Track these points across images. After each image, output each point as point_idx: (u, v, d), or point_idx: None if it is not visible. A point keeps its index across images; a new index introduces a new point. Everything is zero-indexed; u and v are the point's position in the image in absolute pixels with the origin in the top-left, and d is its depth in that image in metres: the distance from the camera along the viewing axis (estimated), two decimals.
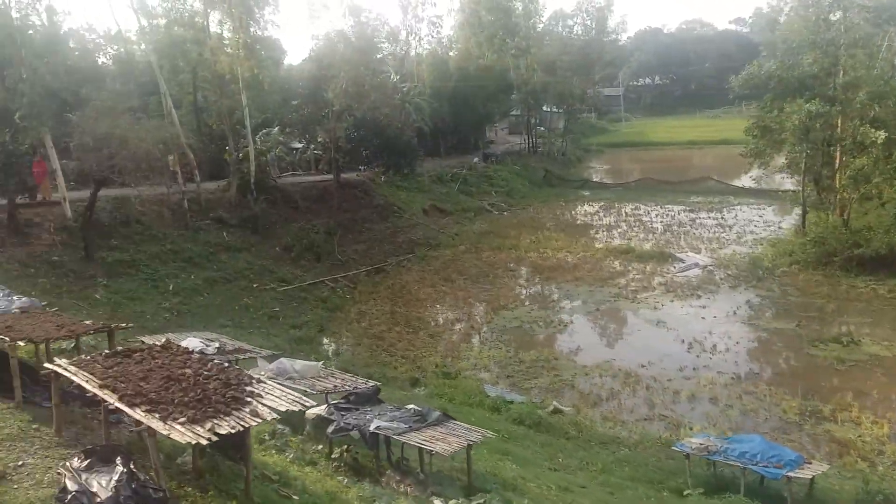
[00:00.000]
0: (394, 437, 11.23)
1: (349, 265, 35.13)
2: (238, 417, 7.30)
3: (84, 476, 7.34)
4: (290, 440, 12.14)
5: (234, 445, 8.49)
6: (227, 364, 8.85)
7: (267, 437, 11.69)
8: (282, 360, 15.07)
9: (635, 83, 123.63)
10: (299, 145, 46.87)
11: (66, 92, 28.13)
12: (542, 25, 70.96)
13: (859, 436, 17.57)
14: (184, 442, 6.65)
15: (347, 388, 14.32)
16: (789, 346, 24.26)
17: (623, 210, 47.87)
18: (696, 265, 33.37)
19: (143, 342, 15.67)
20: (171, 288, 26.80)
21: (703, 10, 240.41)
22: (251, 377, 8.36)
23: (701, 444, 15.24)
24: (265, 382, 8.29)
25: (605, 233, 41.99)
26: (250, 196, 34.86)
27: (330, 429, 11.70)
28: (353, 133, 41.00)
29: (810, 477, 14.00)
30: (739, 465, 14.33)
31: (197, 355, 9.08)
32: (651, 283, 31.15)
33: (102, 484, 7.15)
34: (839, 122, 33.36)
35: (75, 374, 8.20)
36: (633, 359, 23.10)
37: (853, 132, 31.82)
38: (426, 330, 27.50)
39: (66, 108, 27.86)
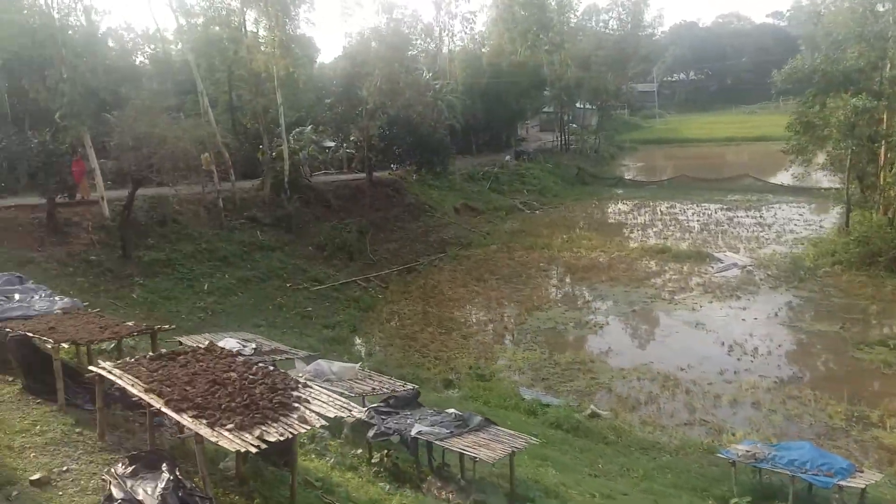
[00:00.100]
0: (436, 442, 11.03)
1: (381, 264, 35.05)
2: (286, 424, 7.15)
3: (129, 483, 7.26)
4: (330, 444, 12.03)
5: (278, 451, 8.37)
6: (271, 368, 8.71)
7: (306, 441, 11.58)
8: (319, 361, 14.99)
9: (669, 78, 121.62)
10: (331, 144, 46.93)
11: (105, 91, 28.42)
12: (575, 20, 70.07)
13: None
14: (232, 450, 6.50)
15: (385, 390, 14.19)
16: (833, 349, 23.56)
17: (658, 208, 47.06)
18: (735, 265, 32.63)
19: (180, 342, 15.78)
20: (205, 287, 26.99)
21: (740, 3, 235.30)
22: (297, 381, 8.21)
23: (748, 450, 14.79)
24: (311, 387, 8.13)
25: (639, 232, 41.29)
26: (284, 195, 34.98)
27: (370, 433, 11.55)
28: (386, 131, 40.84)
29: (862, 487, 13.49)
30: (788, 472, 13.85)
31: (241, 358, 8.96)
32: (688, 283, 30.51)
33: (148, 491, 7.05)
34: (885, 117, 32.35)
35: (120, 378, 8.13)
36: (672, 361, 22.61)
37: None
38: (459, 330, 27.26)
39: (105, 108, 28.16)
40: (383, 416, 11.86)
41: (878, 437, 17.53)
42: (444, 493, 10.96)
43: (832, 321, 25.55)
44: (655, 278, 31.62)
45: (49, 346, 9.66)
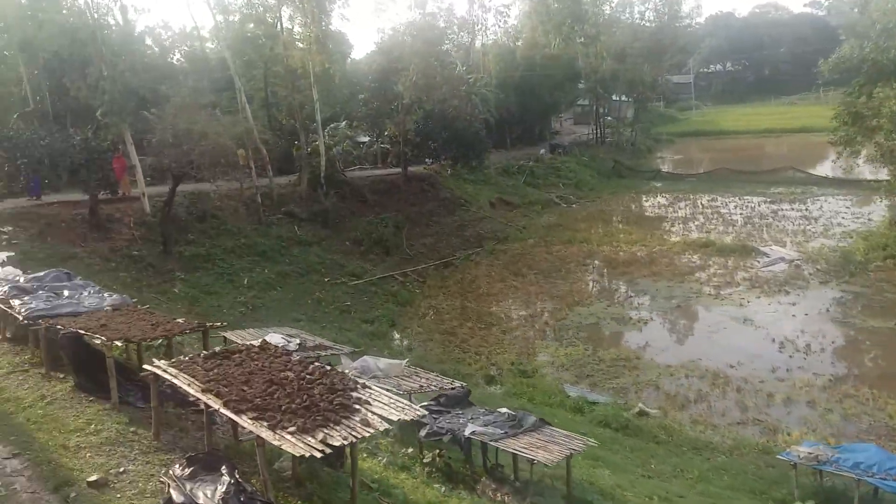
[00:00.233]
0: (491, 443, 10.69)
1: (417, 259, 34.82)
2: (348, 427, 6.87)
3: (188, 486, 7.07)
4: (380, 442, 11.77)
5: (335, 451, 8.12)
6: (328, 367, 8.46)
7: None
8: (365, 358, 14.76)
9: (705, 70, 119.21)
10: (365, 139, 46.83)
11: (144, 89, 28.64)
12: (609, 11, 68.91)
13: None
14: (297, 454, 6.24)
15: (433, 388, 13.90)
16: (888, 346, 22.71)
17: (699, 202, 45.95)
18: (782, 259, 31.65)
19: (224, 338, 15.69)
20: (245, 282, 27.04)
21: None
22: (355, 382, 7.93)
23: (810, 452, 14.15)
24: (370, 388, 7.85)
25: (680, 225, 40.34)
26: (320, 190, 34.94)
27: (422, 432, 11.26)
28: (421, 126, 40.54)
29: None
30: (853, 476, 13.24)
31: (296, 357, 8.72)
32: (734, 278, 29.67)
33: (208, 495, 6.85)
34: None
35: (176, 378, 7.95)
36: (721, 358, 21.93)
37: None
38: (498, 326, 26.89)
39: (144, 106, 28.36)
40: (435, 415, 11.57)
41: None
42: (499, 494, 10.64)
43: (886, 317, 24.61)
44: (699, 273, 30.82)
45: (102, 344, 9.54)
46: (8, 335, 12.39)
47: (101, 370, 9.87)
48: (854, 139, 34.74)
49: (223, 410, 7.15)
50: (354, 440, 6.75)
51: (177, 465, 7.48)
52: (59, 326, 10.37)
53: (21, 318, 10.96)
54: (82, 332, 9.97)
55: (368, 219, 35.89)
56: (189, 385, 7.73)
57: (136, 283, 23.68)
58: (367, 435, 6.90)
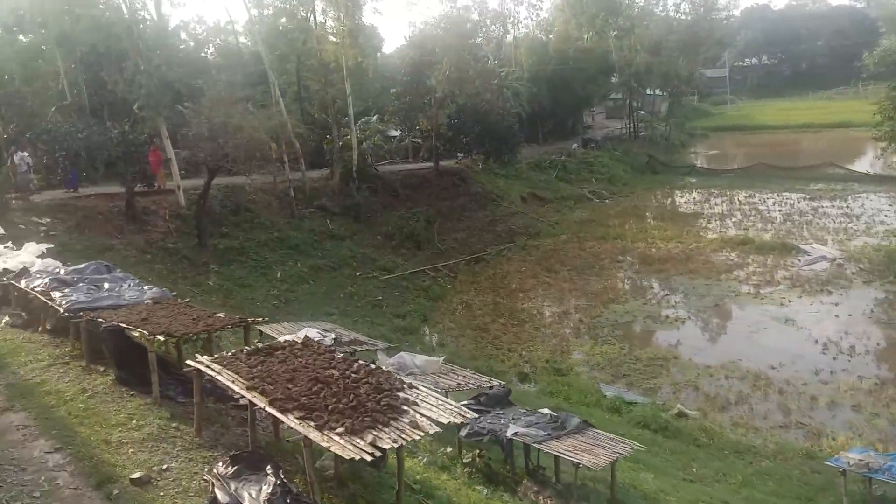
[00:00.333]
0: (534, 445, 10.42)
1: (449, 254, 34.63)
2: (397, 429, 6.64)
3: (233, 485, 6.91)
4: (419, 441, 11.54)
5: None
6: (373, 365, 8.25)
7: None
8: (402, 354, 14.57)
9: (740, 63, 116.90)
10: (396, 133, 46.69)
11: (179, 83, 28.76)
12: (643, 3, 67.72)
13: None
14: (346, 457, 6.03)
15: (471, 386, 13.68)
16: None
17: (736, 198, 44.94)
18: (824, 258, 30.78)
19: (260, 331, 15.60)
20: (278, 275, 27.10)
21: None
22: (402, 381, 7.71)
23: (860, 459, 13.63)
24: (417, 388, 7.62)
25: (717, 222, 39.49)
26: (352, 184, 34.86)
27: (462, 432, 11.03)
28: (454, 120, 40.21)
29: None
30: None
31: (340, 355, 8.53)
32: (774, 276, 28.91)
33: (253, 495, 6.69)
34: None
35: (220, 374, 7.81)
36: (762, 359, 21.34)
37: None
38: (531, 322, 26.59)
39: (179, 99, 28.49)
40: (475, 415, 11.30)
41: None
42: (541, 497, 10.37)
43: None
44: (738, 271, 30.12)
45: (144, 338, 9.46)
46: (48, 327, 12.41)
47: (142, 364, 9.80)
48: None
49: (269, 409, 6.98)
50: (404, 443, 6.52)
51: (220, 464, 7.34)
52: (100, 319, 10.32)
53: (62, 311, 10.94)
54: (124, 325, 9.89)
55: (400, 213, 35.78)
56: (233, 382, 7.58)
57: (171, 275, 23.83)
58: (418, 438, 6.67)
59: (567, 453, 10.05)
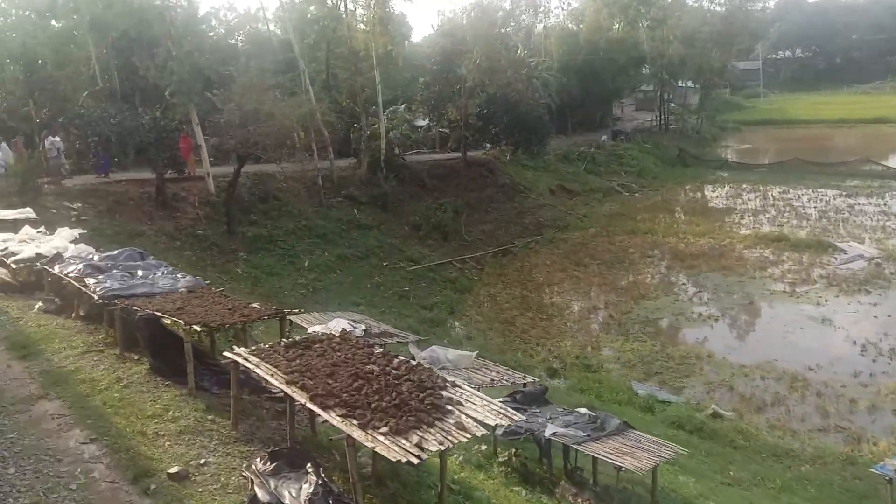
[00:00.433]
0: (573, 446, 10.12)
1: (476, 245, 34.27)
2: (443, 430, 6.38)
3: (272, 483, 6.73)
4: None
5: None
6: (413, 361, 8.00)
7: None
8: (434, 348, 14.33)
9: (774, 56, 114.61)
10: (423, 123, 46.35)
11: (210, 70, 28.67)
12: None
13: None
14: (393, 459, 5.78)
15: (504, 382, 13.40)
16: None
17: (769, 193, 43.95)
18: (861, 257, 29.97)
19: (290, 321, 15.44)
20: (306, 264, 26.99)
21: None
22: (444, 379, 7.45)
23: None
24: (461, 387, 7.35)
25: (750, 218, 38.64)
26: (380, 174, 34.62)
27: (499, 430, 10.74)
28: (483, 110, 39.77)
29: None
30: None
31: (379, 349, 8.29)
32: (810, 275, 28.19)
33: (293, 494, 6.50)
34: None
35: (258, 367, 7.61)
36: (799, 360, 20.79)
37: None
38: (560, 317, 26.22)
39: (210, 86, 28.41)
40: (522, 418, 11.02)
41: None
42: (579, 500, 10.08)
43: None
44: (772, 268, 29.42)
45: (179, 328, 9.30)
46: (81, 313, 12.34)
47: (176, 353, 9.66)
48: None
49: (310, 405, 6.77)
50: (451, 445, 6.26)
51: (259, 460, 7.16)
52: (134, 307, 10.20)
53: (96, 298, 10.83)
54: (159, 314, 9.75)
55: (427, 203, 35.48)
56: (272, 376, 7.37)
57: (200, 262, 23.81)
58: (465, 441, 6.41)
59: (609, 456, 9.73)
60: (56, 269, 12.59)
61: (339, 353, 7.99)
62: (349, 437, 6.27)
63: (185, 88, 25.91)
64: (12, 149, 24.28)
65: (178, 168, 26.84)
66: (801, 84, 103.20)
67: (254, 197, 28.94)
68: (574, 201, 43.15)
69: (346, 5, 35.75)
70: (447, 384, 7.33)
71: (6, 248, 14.70)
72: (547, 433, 10.25)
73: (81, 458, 7.47)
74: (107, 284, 11.11)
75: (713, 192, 47.42)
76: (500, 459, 10.80)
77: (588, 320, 25.80)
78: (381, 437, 6.10)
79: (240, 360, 7.84)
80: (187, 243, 24.82)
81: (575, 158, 49.47)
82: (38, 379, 9.49)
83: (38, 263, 13.74)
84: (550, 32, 58.83)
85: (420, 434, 6.23)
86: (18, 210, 18.60)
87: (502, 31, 41.32)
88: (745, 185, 46.96)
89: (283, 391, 7.31)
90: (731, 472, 14.87)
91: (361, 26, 35.25)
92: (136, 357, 10.33)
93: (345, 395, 6.86)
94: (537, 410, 11.28)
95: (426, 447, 6.07)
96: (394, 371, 7.55)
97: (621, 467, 9.44)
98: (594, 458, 10.45)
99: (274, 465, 6.95)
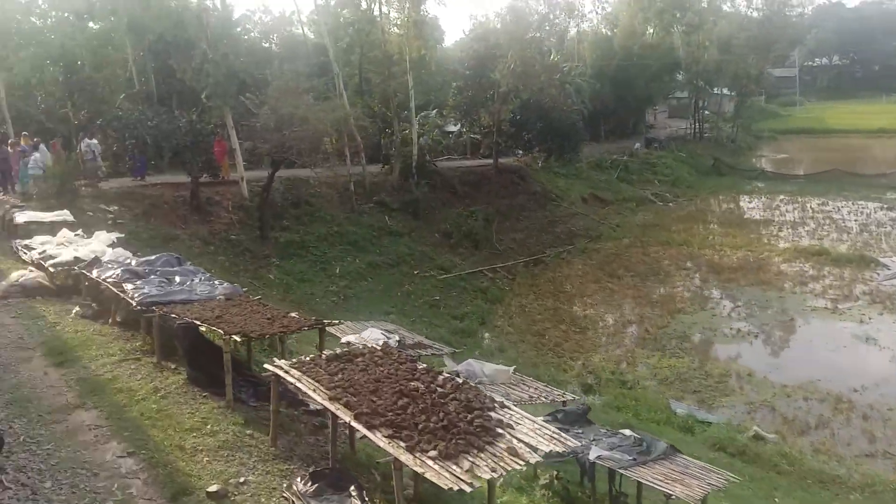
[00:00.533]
0: (619, 470, 9.71)
1: (507, 254, 33.83)
2: (494, 455, 6.05)
3: None
4: None
5: None
6: (459, 379, 7.70)
7: None
8: (470, 361, 13.96)
9: (810, 63, 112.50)
10: (454, 129, 46.08)
11: (245, 73, 28.76)
12: None
13: None
14: (444, 487, 5.48)
15: (543, 399, 12.97)
16: None
17: (808, 205, 42.91)
18: None
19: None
20: (337, 271, 26.86)
21: None
22: (493, 399, 7.14)
23: None
24: (509, 408, 7.03)
25: (789, 230, 37.70)
26: (412, 180, 34.40)
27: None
28: (516, 116, 39.38)
29: None
30: None
31: (423, 365, 8.01)
32: (852, 291, 27.32)
33: None
34: None
35: (299, 381, 7.37)
36: (843, 381, 20.00)
37: None
38: (593, 330, 25.67)
39: (244, 89, 28.49)
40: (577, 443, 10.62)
41: None
42: None
43: None
44: (812, 283, 28.57)
45: (218, 337, 9.10)
46: (118, 319, 12.24)
47: (213, 363, 9.46)
48: None
49: (354, 424, 6.51)
50: (504, 472, 5.94)
51: (299, 480, 6.92)
52: (173, 315, 10.04)
53: (134, 304, 10.71)
54: (198, 323, 9.58)
55: (458, 211, 35.15)
56: (314, 391, 7.13)
57: (233, 267, 23.79)
58: (518, 468, 6.08)
59: (657, 482, 9.30)
60: (94, 274, 12.53)
61: (381, 368, 7.73)
62: (396, 460, 5.99)
63: (220, 91, 26.00)
64: (51, 150, 24.52)
65: (213, 172, 26.89)
66: (838, 92, 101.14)
67: (286, 202, 28.92)
68: (606, 210, 42.54)
69: (380, 9, 35.67)
70: (495, 405, 7.02)
71: (45, 251, 14.74)
72: (591, 456, 9.86)
73: (119, 472, 7.30)
74: (145, 290, 10.98)
75: (749, 202, 46.45)
76: (542, 482, 10.43)
77: (622, 334, 25.23)
78: (430, 462, 5.81)
79: (280, 372, 7.61)
80: (221, 248, 24.84)
81: (607, 166, 48.80)
82: (75, 387, 9.37)
83: (76, 267, 13.72)
84: (584, 37, 58.30)
85: (470, 459, 5.93)
86: (56, 212, 18.72)
87: (537, 35, 40.84)
88: (781, 197, 45.92)
89: (325, 407, 7.05)
90: (776, 500, 14.29)
91: (395, 30, 35.15)
92: (172, 366, 10.18)
93: (390, 413, 6.59)
94: (580, 431, 10.86)
95: (478, 474, 5.76)
96: (439, 389, 7.27)
97: (671, 495, 9.00)
98: (639, 484, 10.03)
99: (316, 486, 6.70)
